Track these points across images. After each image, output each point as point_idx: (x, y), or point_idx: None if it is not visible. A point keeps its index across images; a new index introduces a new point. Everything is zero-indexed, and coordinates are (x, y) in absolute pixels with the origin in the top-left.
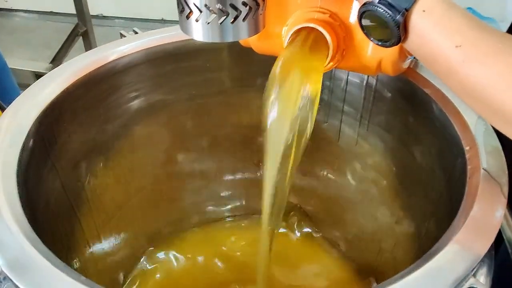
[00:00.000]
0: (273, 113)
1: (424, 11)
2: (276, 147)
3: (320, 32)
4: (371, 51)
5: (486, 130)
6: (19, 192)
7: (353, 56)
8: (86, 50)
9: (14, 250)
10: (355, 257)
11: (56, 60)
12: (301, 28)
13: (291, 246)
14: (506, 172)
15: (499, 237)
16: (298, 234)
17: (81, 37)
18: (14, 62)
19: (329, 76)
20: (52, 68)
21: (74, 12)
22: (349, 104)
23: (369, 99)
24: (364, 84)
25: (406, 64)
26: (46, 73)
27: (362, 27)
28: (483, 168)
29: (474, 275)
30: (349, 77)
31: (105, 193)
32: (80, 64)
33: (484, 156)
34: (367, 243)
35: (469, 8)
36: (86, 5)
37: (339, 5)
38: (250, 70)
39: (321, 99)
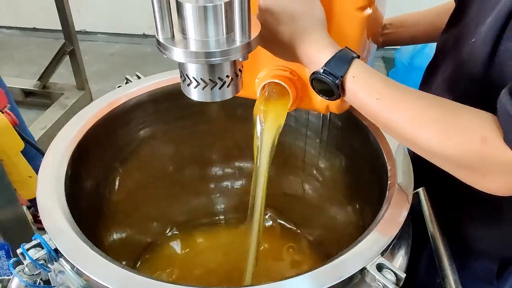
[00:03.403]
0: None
1: (353, 77)
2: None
3: (284, 86)
4: (320, 99)
5: (403, 154)
6: (69, 208)
7: (309, 100)
8: (73, 68)
9: (70, 243)
10: (321, 248)
11: (44, 78)
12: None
13: (269, 241)
14: (412, 186)
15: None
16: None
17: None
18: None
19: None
20: (40, 85)
21: (56, 28)
22: (311, 130)
23: (326, 126)
24: (321, 115)
25: (347, 105)
26: (34, 90)
27: (313, 87)
28: (397, 183)
29: (389, 258)
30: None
31: (117, 205)
32: (99, 107)
33: (400, 174)
34: (329, 237)
35: None
36: (73, 25)
37: (296, 64)
38: (231, 103)
39: (289, 126)
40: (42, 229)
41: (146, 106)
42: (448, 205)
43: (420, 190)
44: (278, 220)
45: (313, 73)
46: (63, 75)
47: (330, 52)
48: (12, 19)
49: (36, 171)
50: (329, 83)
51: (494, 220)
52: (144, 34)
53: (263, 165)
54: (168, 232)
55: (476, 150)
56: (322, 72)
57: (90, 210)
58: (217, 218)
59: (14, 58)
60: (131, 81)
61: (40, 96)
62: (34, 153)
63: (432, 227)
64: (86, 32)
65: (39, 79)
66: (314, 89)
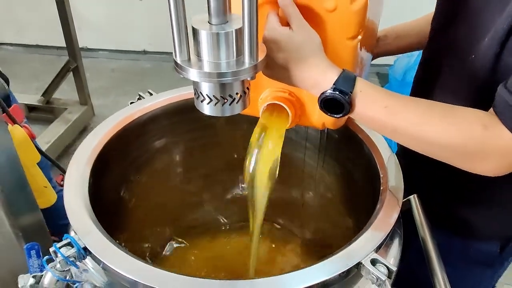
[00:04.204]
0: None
1: (361, 91)
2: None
3: (284, 107)
4: (317, 116)
5: (394, 163)
6: (94, 212)
7: (306, 118)
8: (76, 84)
9: (97, 242)
10: (319, 250)
11: (48, 93)
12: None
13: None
14: (402, 191)
15: None
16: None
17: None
18: None
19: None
20: (44, 101)
21: (58, 45)
22: (310, 142)
23: (324, 139)
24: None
25: (342, 122)
26: (38, 105)
27: (321, 107)
28: (389, 189)
29: (383, 254)
30: None
31: (132, 209)
32: (116, 121)
33: (392, 180)
34: (327, 241)
35: None
36: (77, 43)
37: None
38: (236, 118)
39: (289, 139)
40: None
41: (158, 120)
42: (448, 198)
43: (412, 198)
44: (278, 226)
45: (322, 93)
46: (65, 91)
47: (334, 73)
48: (15, 36)
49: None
50: (341, 100)
51: (491, 204)
52: (144, 50)
53: (262, 178)
54: (178, 236)
55: (479, 136)
56: (333, 91)
57: (109, 213)
58: (223, 224)
59: (18, 74)
60: (144, 98)
61: (43, 111)
62: (44, 165)
63: (423, 231)
64: (88, 49)
65: (43, 94)
66: (322, 108)
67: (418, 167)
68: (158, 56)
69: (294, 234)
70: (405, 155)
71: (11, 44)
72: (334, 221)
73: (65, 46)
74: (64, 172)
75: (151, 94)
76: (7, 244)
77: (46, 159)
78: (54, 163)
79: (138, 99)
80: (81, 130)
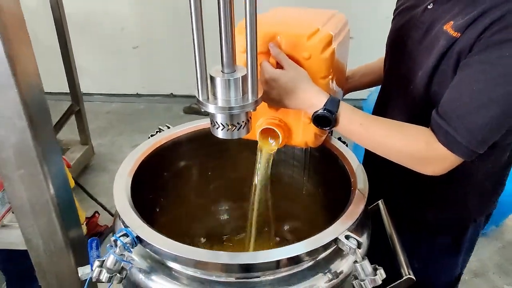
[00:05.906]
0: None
1: (343, 111)
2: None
3: (275, 130)
4: (301, 137)
5: (362, 171)
6: (140, 215)
7: (292, 139)
8: (78, 125)
9: (143, 229)
10: None
11: None
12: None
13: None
14: (367, 191)
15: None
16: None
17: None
18: None
19: (284, 145)
20: None
21: (56, 90)
22: (296, 160)
23: (307, 156)
24: (303, 148)
25: (320, 141)
26: None
27: (314, 123)
28: (357, 189)
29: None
30: None
31: (160, 219)
32: (147, 146)
33: (360, 183)
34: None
35: None
36: (79, 88)
37: (283, 115)
38: (239, 143)
39: (280, 159)
40: None
41: (179, 146)
42: (408, 199)
43: (380, 202)
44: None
45: (315, 112)
46: (63, 132)
47: (324, 97)
48: None
49: None
50: (329, 117)
51: (440, 203)
52: (137, 93)
53: (258, 189)
54: (197, 240)
55: (423, 149)
56: (324, 110)
57: (145, 215)
58: (233, 230)
59: None
60: (163, 130)
61: None
62: None
63: (389, 228)
64: (84, 94)
65: None
66: (315, 123)
67: (377, 174)
68: (151, 98)
69: (285, 237)
70: (367, 165)
71: None
72: (318, 223)
73: (62, 91)
74: (90, 196)
75: (168, 127)
76: (57, 251)
77: (77, 185)
78: (83, 189)
79: (157, 131)
80: (83, 168)
